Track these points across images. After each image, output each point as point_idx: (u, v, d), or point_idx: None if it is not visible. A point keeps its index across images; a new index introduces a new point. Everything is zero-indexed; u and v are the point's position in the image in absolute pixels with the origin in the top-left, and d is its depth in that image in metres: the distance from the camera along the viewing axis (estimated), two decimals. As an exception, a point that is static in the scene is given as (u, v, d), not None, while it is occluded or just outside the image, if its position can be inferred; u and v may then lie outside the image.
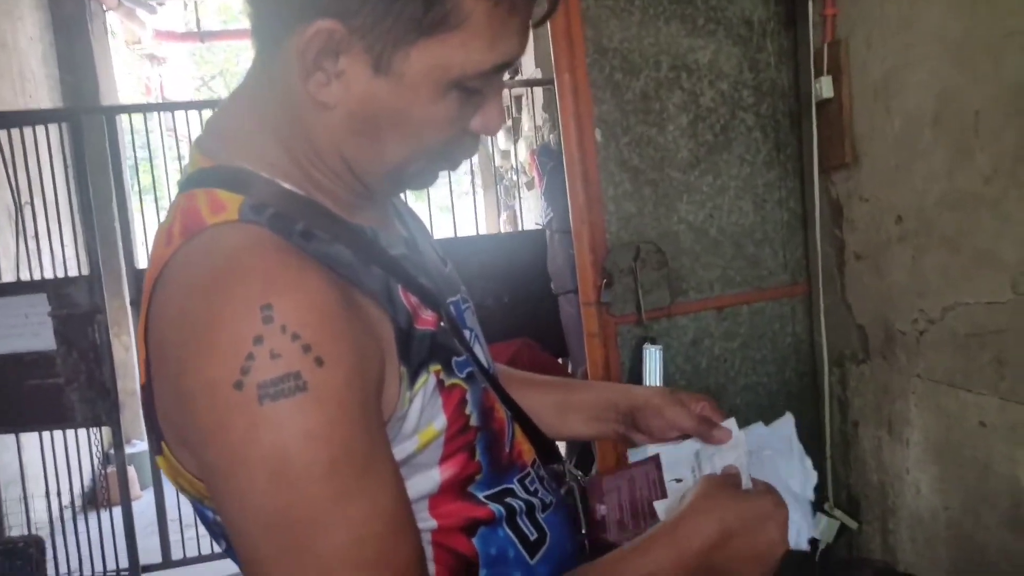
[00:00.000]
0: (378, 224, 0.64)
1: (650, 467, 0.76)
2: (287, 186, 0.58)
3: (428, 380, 0.58)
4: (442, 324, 0.62)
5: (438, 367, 0.59)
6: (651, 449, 0.78)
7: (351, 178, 0.60)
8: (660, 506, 0.72)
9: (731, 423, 0.77)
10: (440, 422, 0.58)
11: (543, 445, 0.74)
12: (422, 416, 0.57)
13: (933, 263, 1.47)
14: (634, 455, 0.80)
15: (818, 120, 1.72)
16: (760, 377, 1.85)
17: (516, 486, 0.66)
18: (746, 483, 0.69)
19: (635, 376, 1.75)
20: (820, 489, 1.87)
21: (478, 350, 0.69)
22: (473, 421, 0.61)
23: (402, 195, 0.77)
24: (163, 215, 0.63)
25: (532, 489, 0.67)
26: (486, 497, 0.63)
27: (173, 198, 0.59)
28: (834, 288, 1.78)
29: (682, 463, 0.75)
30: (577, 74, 1.68)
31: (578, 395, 0.85)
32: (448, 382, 0.59)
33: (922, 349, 1.52)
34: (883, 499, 1.70)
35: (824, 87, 1.65)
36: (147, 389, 0.55)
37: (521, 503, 0.65)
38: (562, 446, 3.37)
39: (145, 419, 0.56)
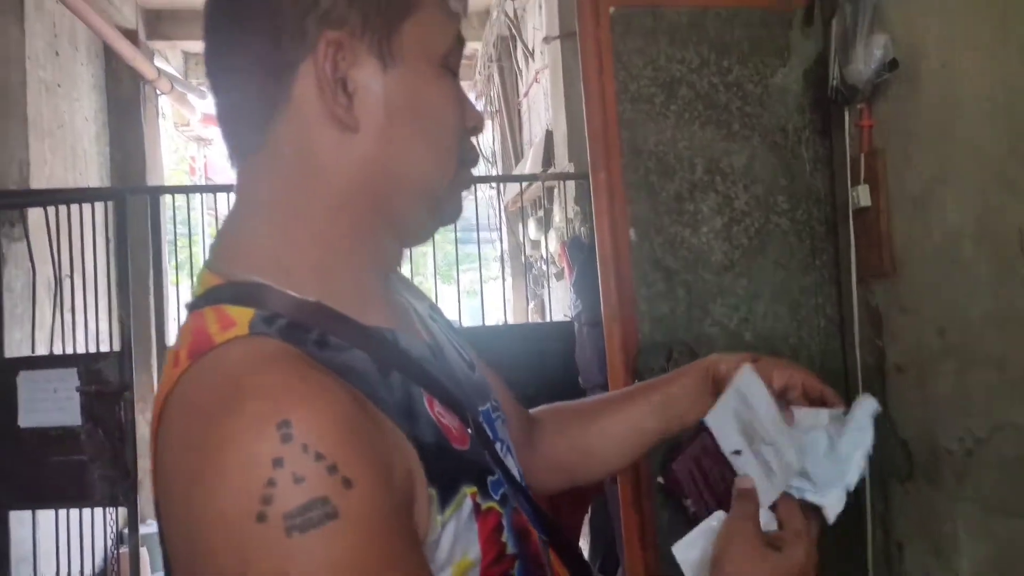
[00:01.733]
0: (398, 327, 0.62)
1: (706, 439, 0.75)
2: (300, 296, 0.55)
3: (462, 504, 0.54)
4: (470, 433, 0.59)
5: (473, 489, 0.55)
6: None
7: (382, 230, 0.60)
8: (679, 549, 0.70)
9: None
10: (475, 551, 0.54)
11: (577, 564, 0.70)
12: (455, 545, 0.53)
13: (979, 380, 1.42)
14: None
15: (856, 228, 1.70)
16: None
17: None
18: (769, 492, 0.67)
19: (664, 487, 1.69)
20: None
21: (510, 463, 0.66)
22: (510, 549, 0.57)
23: (431, 292, 0.76)
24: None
25: None
26: None
27: (182, 321, 0.57)
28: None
29: (731, 429, 0.73)
30: (612, 174, 1.69)
31: (667, 387, 0.86)
32: (484, 506, 0.55)
33: (970, 470, 1.45)
34: (931, 630, 1.59)
35: (861, 195, 1.64)
36: (160, 522, 0.52)
37: None
38: (585, 547, 3.25)
39: (160, 547, 0.53)
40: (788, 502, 0.68)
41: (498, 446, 0.65)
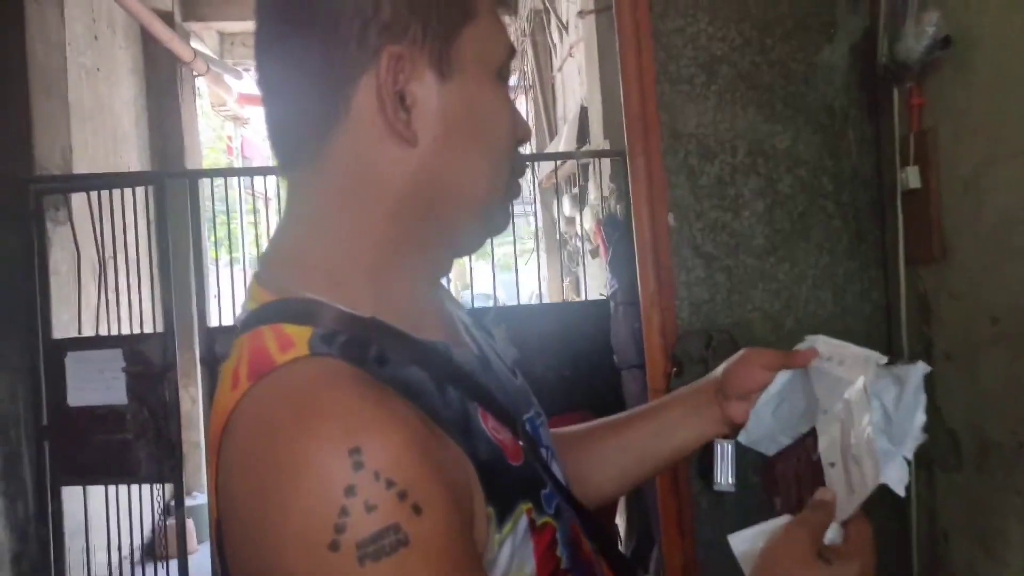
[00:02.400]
0: (449, 339, 0.61)
1: (810, 443, 0.73)
2: (355, 312, 0.55)
3: (519, 521, 0.53)
4: (522, 445, 0.59)
5: (528, 505, 0.55)
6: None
7: (436, 241, 0.59)
8: (736, 540, 0.69)
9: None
10: (530, 567, 0.54)
11: (624, 567, 0.70)
12: (512, 561, 0.52)
13: (1034, 370, 1.37)
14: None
15: (904, 210, 1.65)
16: (838, 477, 1.75)
17: None
18: (846, 508, 0.65)
19: (704, 470, 1.67)
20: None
21: (555, 468, 0.66)
22: (564, 563, 0.57)
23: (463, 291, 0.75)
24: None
25: None
26: None
27: (235, 339, 0.56)
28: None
29: (832, 441, 0.71)
30: (651, 158, 1.66)
31: (667, 412, 0.84)
32: (539, 521, 0.55)
33: (1021, 463, 1.40)
34: (977, 623, 1.56)
35: (911, 177, 1.59)
36: (219, 536, 0.52)
37: None
38: (622, 526, 3.25)
39: (218, 556, 0.53)
40: (861, 523, 0.65)
41: (544, 452, 0.65)
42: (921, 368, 0.72)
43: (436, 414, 0.52)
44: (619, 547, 0.70)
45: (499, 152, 0.60)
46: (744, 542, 0.69)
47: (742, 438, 0.80)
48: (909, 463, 0.68)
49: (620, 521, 3.28)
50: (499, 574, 0.52)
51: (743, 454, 1.84)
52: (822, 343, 0.76)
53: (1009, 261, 1.41)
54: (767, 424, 0.78)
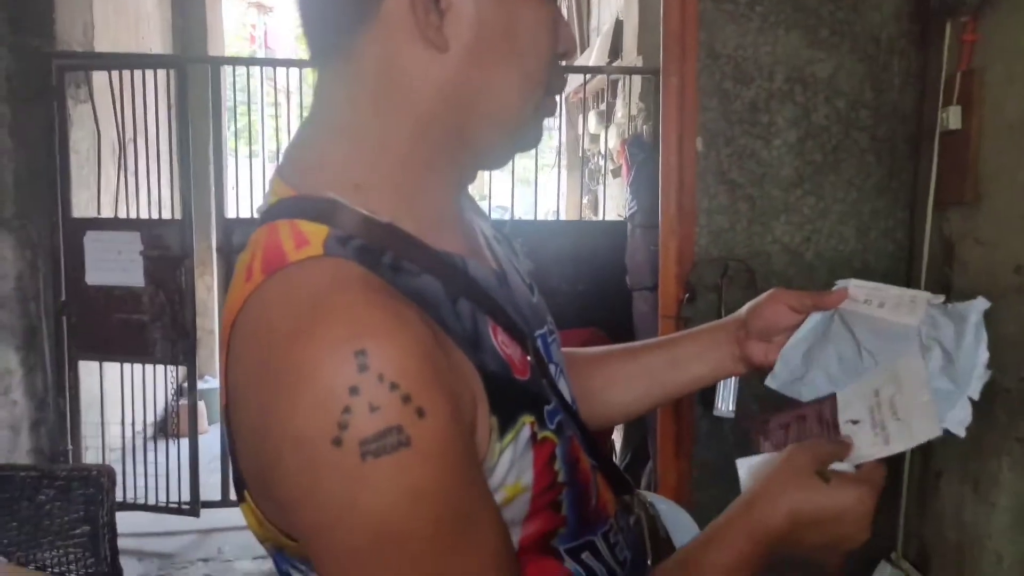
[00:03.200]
0: (467, 252, 0.61)
1: (825, 407, 0.72)
2: (374, 216, 0.54)
3: (521, 432, 0.54)
4: (530, 361, 0.59)
5: (531, 418, 0.55)
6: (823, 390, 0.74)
7: (463, 153, 0.58)
8: (742, 465, 0.69)
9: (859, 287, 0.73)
10: (528, 477, 0.55)
11: (620, 482, 0.72)
12: (511, 470, 0.54)
13: (1050, 322, 1.36)
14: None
15: (940, 151, 1.60)
16: (839, 412, 1.77)
17: (599, 540, 0.63)
18: (872, 452, 0.65)
19: (707, 399, 1.70)
20: (892, 533, 1.78)
21: (563, 385, 0.67)
22: (561, 477, 0.58)
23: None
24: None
25: (614, 541, 0.65)
26: (567, 551, 0.60)
27: (254, 231, 0.55)
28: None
29: (860, 401, 0.70)
30: (686, 79, 1.61)
31: (685, 343, 0.84)
32: (541, 435, 0.56)
33: (1025, 412, 1.42)
34: (959, 562, 1.61)
35: (951, 117, 1.54)
36: (229, 429, 0.53)
37: (603, 568, 0.63)
38: (618, 440, 3.34)
39: (229, 455, 0.55)
40: (875, 464, 0.65)
41: (552, 369, 0.65)
42: (981, 304, 0.69)
43: (445, 325, 0.52)
44: (614, 462, 0.72)
45: (535, 68, 0.58)
46: (750, 466, 0.69)
47: (770, 381, 0.78)
48: (973, 403, 0.66)
49: (616, 436, 3.36)
50: (497, 482, 0.53)
51: (746, 382, 1.87)
52: (855, 285, 0.73)
53: (1042, 211, 1.38)
54: (795, 368, 0.76)
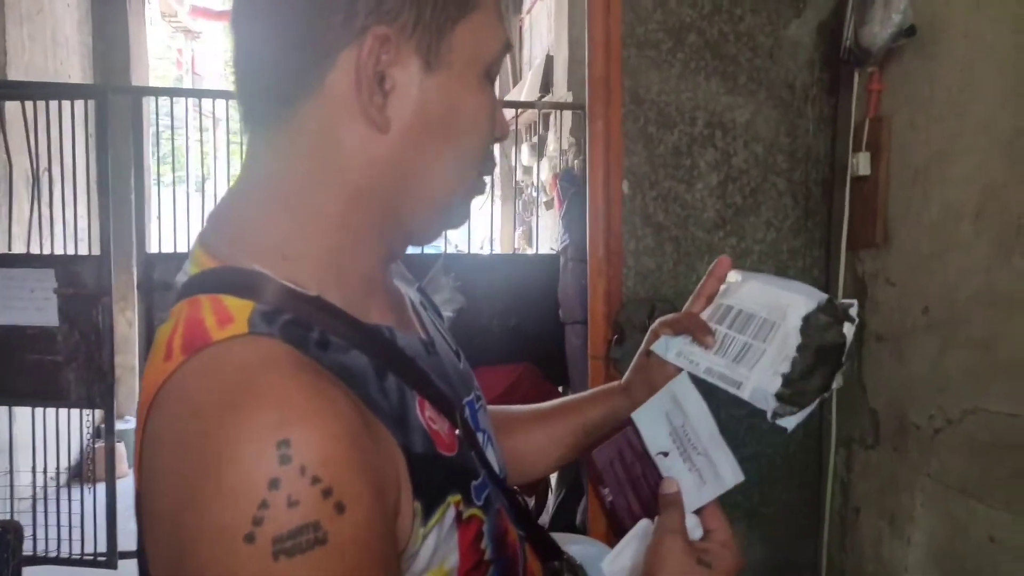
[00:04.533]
0: (395, 323, 0.60)
1: (631, 435, 0.74)
2: (302, 289, 0.53)
3: (446, 514, 0.53)
4: (458, 434, 0.58)
5: (457, 497, 0.54)
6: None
7: (392, 230, 0.58)
8: (608, 563, 0.69)
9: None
10: (453, 560, 0.54)
11: (548, 548, 0.71)
12: (435, 554, 0.52)
13: (958, 361, 1.42)
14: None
15: (851, 195, 1.67)
16: (764, 447, 1.81)
17: None
18: (696, 498, 0.68)
19: (636, 435, 1.71)
20: (815, 566, 1.82)
21: (491, 454, 0.66)
22: (488, 555, 0.57)
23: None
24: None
25: None
26: None
27: (174, 305, 0.53)
28: (849, 367, 1.73)
29: (660, 430, 0.72)
30: (611, 124, 1.64)
31: (591, 408, 0.88)
32: (466, 514, 0.55)
33: (936, 448, 1.47)
34: (878, 593, 1.65)
35: (861, 163, 1.61)
36: (139, 515, 0.50)
37: None
38: (553, 477, 3.33)
39: (137, 531, 0.52)
40: (714, 509, 0.67)
41: (480, 437, 0.65)
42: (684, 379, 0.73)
43: (373, 403, 0.51)
44: (548, 505, 0.72)
45: (471, 153, 0.58)
46: (617, 557, 0.69)
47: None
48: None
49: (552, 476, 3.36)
50: (421, 565, 0.52)
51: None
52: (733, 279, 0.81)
53: (947, 253, 1.44)
54: (656, 419, 0.76)
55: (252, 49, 0.55)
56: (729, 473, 0.68)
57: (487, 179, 0.64)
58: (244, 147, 0.60)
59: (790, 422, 0.75)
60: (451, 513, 0.53)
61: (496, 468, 0.65)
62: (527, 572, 0.64)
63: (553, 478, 3.28)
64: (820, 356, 0.74)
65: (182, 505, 0.44)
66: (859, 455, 1.72)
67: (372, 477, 0.46)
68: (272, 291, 0.51)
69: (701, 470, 0.69)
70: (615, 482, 0.74)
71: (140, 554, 0.51)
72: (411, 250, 0.88)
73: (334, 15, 0.50)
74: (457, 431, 0.58)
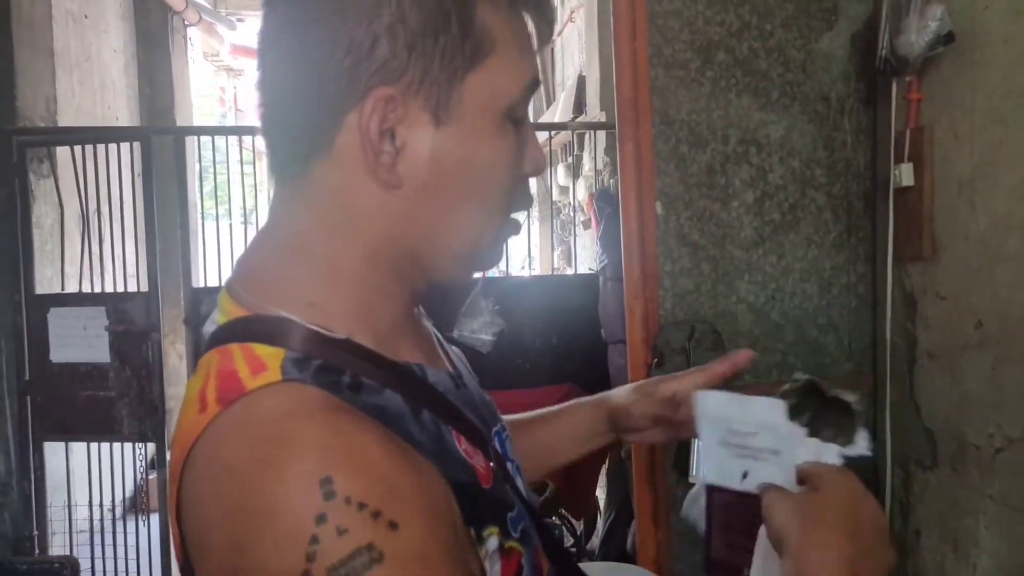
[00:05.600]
0: (424, 359, 0.61)
1: (715, 497, 0.69)
2: (330, 333, 0.53)
3: (488, 545, 0.52)
4: (493, 467, 0.58)
5: (495, 529, 0.54)
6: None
7: (417, 278, 0.58)
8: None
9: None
10: None
11: None
12: None
13: (1015, 377, 1.36)
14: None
15: (895, 207, 1.62)
16: (814, 470, 1.75)
17: None
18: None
19: (682, 459, 1.67)
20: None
21: (519, 482, 0.65)
22: None
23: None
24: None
25: None
26: None
27: (203, 354, 0.54)
28: (902, 386, 1.67)
29: (726, 460, 0.67)
30: (641, 145, 1.62)
31: (554, 425, 0.89)
32: (507, 545, 0.54)
33: (997, 468, 1.41)
34: (942, 621, 1.58)
35: (904, 174, 1.56)
36: (187, 571, 0.50)
37: None
38: (602, 497, 3.28)
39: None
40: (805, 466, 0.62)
41: (510, 467, 0.64)
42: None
43: (412, 439, 0.51)
44: (597, 529, 0.70)
45: (492, 202, 0.57)
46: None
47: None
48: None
49: (600, 492, 3.31)
50: None
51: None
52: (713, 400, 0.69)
53: (998, 266, 1.39)
54: (717, 456, 0.70)
55: (270, 108, 0.56)
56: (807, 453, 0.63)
57: (521, 216, 0.64)
58: (271, 199, 0.60)
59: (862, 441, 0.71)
60: (493, 543, 0.53)
61: (527, 499, 0.64)
62: None
63: (601, 500, 3.23)
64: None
65: (236, 558, 0.44)
66: (917, 476, 1.65)
67: (422, 499, 0.45)
68: (301, 337, 0.52)
69: (786, 462, 0.63)
70: (748, 557, 0.66)
71: None
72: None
73: (338, 80, 0.51)
74: (492, 463, 0.58)
